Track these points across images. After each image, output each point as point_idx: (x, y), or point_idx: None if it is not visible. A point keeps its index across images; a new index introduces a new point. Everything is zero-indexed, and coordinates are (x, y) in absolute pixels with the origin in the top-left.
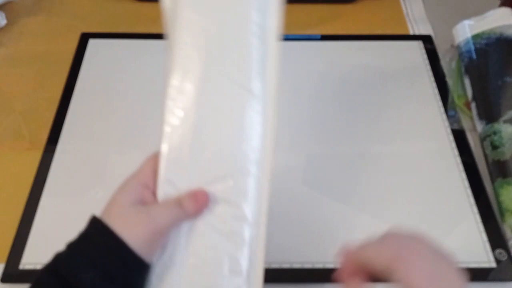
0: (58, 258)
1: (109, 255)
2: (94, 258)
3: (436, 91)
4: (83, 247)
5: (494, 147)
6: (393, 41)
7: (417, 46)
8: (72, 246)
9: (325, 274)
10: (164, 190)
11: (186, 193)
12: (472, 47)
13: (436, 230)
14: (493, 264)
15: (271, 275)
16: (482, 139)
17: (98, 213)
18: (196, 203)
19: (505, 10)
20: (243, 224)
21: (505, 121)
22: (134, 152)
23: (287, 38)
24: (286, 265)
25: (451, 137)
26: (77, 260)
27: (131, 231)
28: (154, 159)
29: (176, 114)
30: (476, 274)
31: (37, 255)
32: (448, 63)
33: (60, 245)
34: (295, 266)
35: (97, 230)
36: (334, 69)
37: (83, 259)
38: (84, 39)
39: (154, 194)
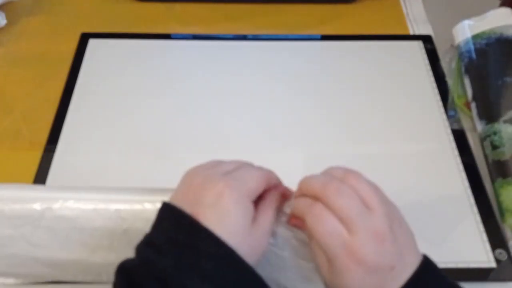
0: (164, 267)
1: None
2: (208, 271)
3: (436, 91)
4: (193, 260)
5: (494, 147)
6: (393, 41)
7: (417, 46)
8: (178, 256)
9: None
10: None
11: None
12: (472, 47)
13: (436, 230)
14: (493, 264)
15: None
16: (482, 139)
17: None
18: None
19: (505, 10)
20: None
21: (505, 121)
22: (134, 152)
23: (287, 38)
24: None
25: (451, 137)
26: (189, 275)
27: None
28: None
29: None
30: (476, 274)
31: None
32: (448, 63)
33: None
34: None
35: (207, 241)
36: (334, 69)
37: (196, 274)
38: (84, 39)
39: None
